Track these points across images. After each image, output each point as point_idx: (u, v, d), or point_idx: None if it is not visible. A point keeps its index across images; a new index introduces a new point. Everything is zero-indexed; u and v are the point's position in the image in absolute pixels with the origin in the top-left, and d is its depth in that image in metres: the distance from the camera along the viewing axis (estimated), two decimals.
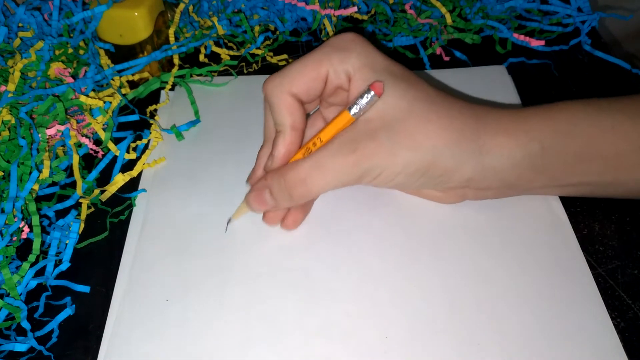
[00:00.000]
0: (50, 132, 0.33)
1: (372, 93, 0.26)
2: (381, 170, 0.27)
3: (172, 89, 0.40)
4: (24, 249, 0.30)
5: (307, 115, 0.30)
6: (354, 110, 0.26)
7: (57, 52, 0.38)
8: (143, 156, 0.35)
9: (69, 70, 0.37)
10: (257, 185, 0.29)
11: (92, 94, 0.36)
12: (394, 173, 0.27)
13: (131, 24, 0.37)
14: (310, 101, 0.29)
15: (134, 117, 0.36)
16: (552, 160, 0.27)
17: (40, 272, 0.30)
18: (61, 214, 0.32)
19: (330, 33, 0.42)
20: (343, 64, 0.27)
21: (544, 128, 0.27)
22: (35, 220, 0.30)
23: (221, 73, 0.41)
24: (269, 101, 0.28)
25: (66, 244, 0.30)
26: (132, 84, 0.40)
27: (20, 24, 0.41)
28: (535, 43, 0.41)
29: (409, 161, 0.26)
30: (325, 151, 0.27)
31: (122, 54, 0.38)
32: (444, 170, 0.27)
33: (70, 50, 0.38)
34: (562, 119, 0.27)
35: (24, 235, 0.30)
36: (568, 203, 0.32)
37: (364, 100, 0.26)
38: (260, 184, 0.29)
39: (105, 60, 0.39)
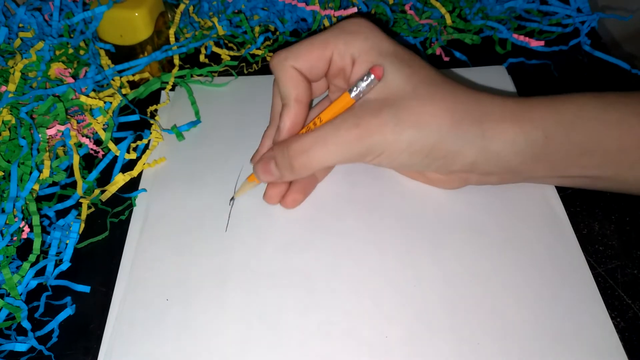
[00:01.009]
0: (50, 132, 0.33)
1: (372, 77, 0.26)
2: (384, 148, 0.27)
3: (172, 89, 0.40)
4: (24, 249, 0.30)
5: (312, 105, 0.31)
6: (354, 92, 0.27)
7: (57, 53, 0.38)
8: (143, 156, 0.35)
9: (70, 70, 0.37)
10: (264, 155, 0.30)
11: (92, 94, 0.36)
12: (397, 151, 0.27)
13: (132, 25, 0.37)
14: (315, 80, 0.30)
15: (135, 117, 0.36)
16: (555, 150, 0.27)
17: (40, 272, 0.30)
18: (61, 214, 0.32)
19: None
20: (348, 47, 0.28)
21: (548, 117, 0.27)
22: (36, 220, 0.30)
23: (221, 73, 0.41)
24: (275, 74, 0.29)
25: (66, 244, 0.31)
26: (133, 84, 0.40)
27: (20, 25, 0.41)
28: (535, 43, 0.41)
29: (412, 140, 0.26)
30: (329, 125, 0.27)
31: (122, 54, 0.38)
32: (447, 152, 0.27)
33: (71, 51, 0.38)
34: (567, 110, 0.27)
35: (24, 235, 0.30)
36: (568, 203, 0.32)
37: (364, 83, 0.27)
38: (267, 154, 0.30)
39: (105, 60, 0.39)
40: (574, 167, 0.28)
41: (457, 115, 0.27)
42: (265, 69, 0.42)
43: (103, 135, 0.34)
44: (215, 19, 0.42)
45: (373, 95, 0.27)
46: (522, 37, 0.41)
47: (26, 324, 0.27)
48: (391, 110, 0.26)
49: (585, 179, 0.29)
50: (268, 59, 0.42)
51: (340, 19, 0.44)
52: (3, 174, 0.31)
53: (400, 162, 0.28)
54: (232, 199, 0.32)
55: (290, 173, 0.29)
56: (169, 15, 0.41)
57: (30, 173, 0.31)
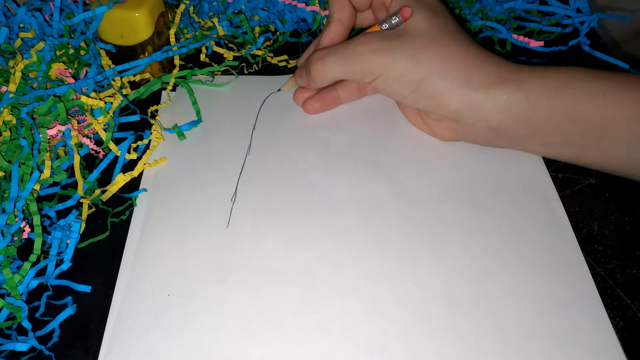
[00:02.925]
0: (51, 132, 0.33)
1: (399, 17, 0.31)
2: (381, 71, 0.31)
3: (173, 90, 0.40)
4: (25, 249, 0.31)
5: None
6: (383, 26, 0.32)
7: (58, 53, 0.38)
8: (144, 156, 0.35)
9: (70, 70, 0.37)
10: (302, 64, 0.36)
11: (93, 94, 0.36)
12: (391, 78, 0.31)
13: (132, 25, 0.37)
14: (360, 9, 0.35)
15: (135, 118, 0.37)
16: (536, 113, 0.29)
17: (41, 272, 0.30)
18: (62, 214, 0.32)
19: None
20: None
21: (532, 81, 0.29)
22: (37, 220, 0.30)
23: (222, 73, 0.42)
24: None
25: (67, 244, 0.31)
26: (133, 85, 0.40)
27: (21, 25, 0.41)
28: (535, 44, 0.41)
29: (405, 70, 0.30)
30: (345, 42, 0.32)
31: (123, 54, 0.38)
32: (433, 92, 0.30)
33: (71, 51, 0.39)
34: (554, 77, 0.29)
35: (25, 235, 0.30)
36: (568, 203, 0.32)
37: (392, 20, 0.31)
38: (304, 62, 0.35)
39: (106, 60, 0.39)
40: (556, 134, 0.29)
41: (450, 61, 0.30)
42: (265, 69, 0.42)
43: (104, 135, 0.34)
44: (215, 20, 0.42)
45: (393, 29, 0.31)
46: (521, 38, 0.42)
47: (27, 324, 0.27)
48: (397, 41, 0.30)
49: (567, 147, 0.30)
50: (268, 59, 0.42)
51: None
52: (4, 174, 0.32)
53: (394, 90, 0.31)
54: (279, 90, 0.38)
55: (310, 79, 0.34)
56: (170, 16, 0.41)
57: (31, 173, 0.31)
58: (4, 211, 0.29)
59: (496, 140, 0.32)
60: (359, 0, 0.34)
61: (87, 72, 0.38)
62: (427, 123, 0.35)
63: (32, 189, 0.31)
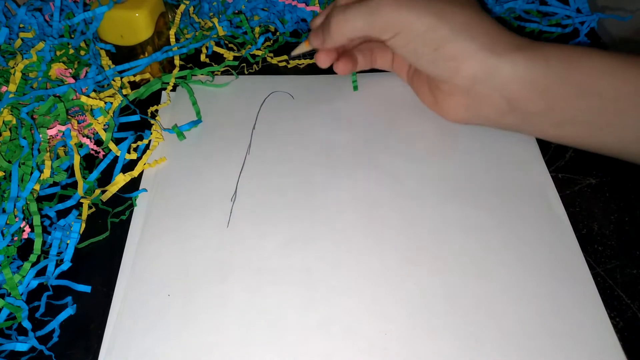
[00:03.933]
0: (51, 132, 0.33)
1: None
2: (404, 27, 0.30)
3: (173, 90, 0.40)
4: (25, 249, 0.31)
5: None
6: None
7: (58, 53, 0.38)
8: (144, 156, 0.35)
9: (70, 70, 0.37)
10: (317, 25, 0.35)
11: (93, 94, 0.36)
12: (413, 34, 0.30)
13: (132, 25, 0.37)
14: None
15: (135, 118, 0.37)
16: (553, 84, 0.29)
17: (41, 272, 0.30)
18: (62, 214, 0.32)
19: None
20: None
21: (552, 51, 0.29)
22: (37, 220, 0.30)
23: (222, 73, 0.42)
24: None
25: (67, 244, 0.31)
26: (133, 85, 0.40)
27: (21, 25, 0.41)
28: None
29: (429, 27, 0.30)
30: None
31: (123, 54, 0.39)
32: (453, 54, 0.30)
33: (71, 51, 0.39)
34: (573, 51, 0.29)
35: (25, 235, 0.30)
36: (568, 203, 0.32)
37: None
38: (320, 23, 0.35)
39: (106, 60, 0.39)
40: (569, 109, 0.29)
41: (474, 26, 0.30)
42: (265, 69, 0.42)
43: (104, 135, 0.34)
44: (215, 20, 0.42)
45: None
46: None
47: (27, 324, 0.27)
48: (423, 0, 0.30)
49: (582, 127, 0.30)
50: (268, 59, 0.42)
51: None
52: (4, 174, 0.32)
53: (413, 47, 0.31)
54: (289, 55, 0.38)
55: (329, 35, 0.33)
56: (170, 16, 0.41)
57: (31, 173, 0.31)
58: (4, 211, 0.29)
59: (508, 115, 0.32)
60: None
61: (87, 72, 0.38)
62: (437, 98, 0.34)
63: (32, 189, 0.31)
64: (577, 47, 0.30)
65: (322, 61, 0.36)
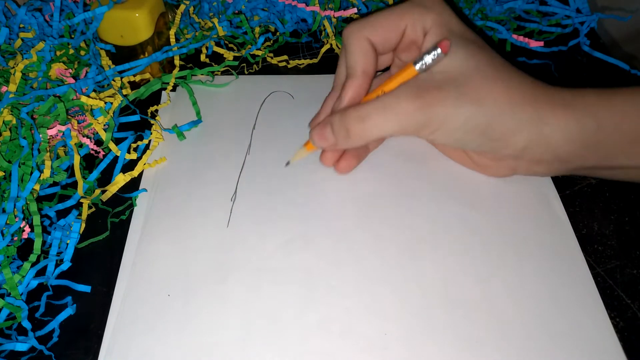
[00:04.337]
0: (51, 132, 0.33)
1: (439, 50, 0.27)
2: (442, 122, 0.27)
3: (173, 90, 0.40)
4: (25, 249, 0.31)
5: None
6: (419, 65, 0.28)
7: (58, 53, 0.38)
8: (144, 156, 0.35)
9: (70, 70, 0.37)
10: (322, 121, 0.31)
11: (93, 94, 0.36)
12: (454, 127, 0.28)
13: (132, 25, 0.37)
14: (383, 52, 0.31)
15: (135, 118, 0.37)
16: (606, 138, 0.27)
17: (41, 272, 0.30)
18: (62, 213, 0.32)
19: (330, 34, 0.42)
20: (422, 19, 0.29)
21: (600, 104, 0.27)
22: (37, 220, 0.30)
23: (222, 73, 0.42)
24: (346, 44, 0.30)
25: (67, 244, 0.31)
26: (133, 85, 0.40)
27: (21, 25, 0.41)
28: (534, 44, 0.41)
29: (471, 115, 0.27)
30: (390, 95, 0.28)
31: (123, 54, 0.39)
32: (501, 133, 0.28)
33: (71, 51, 0.39)
34: (619, 98, 0.28)
35: (25, 235, 0.30)
36: (568, 203, 0.32)
37: (429, 56, 0.27)
38: (325, 119, 0.31)
39: (106, 61, 0.39)
40: (623, 157, 0.28)
41: (515, 97, 0.27)
42: (265, 70, 0.42)
43: (104, 135, 0.34)
44: (215, 20, 0.42)
45: (436, 70, 0.28)
46: (521, 38, 0.42)
47: (27, 324, 0.27)
48: (453, 85, 0.27)
49: (635, 170, 0.29)
50: (268, 59, 0.42)
51: (341, 20, 0.44)
52: (4, 174, 0.32)
53: (456, 139, 0.28)
54: (288, 163, 0.33)
55: (345, 140, 0.29)
56: (170, 16, 0.41)
57: (31, 173, 0.31)
58: (4, 211, 0.29)
59: (559, 169, 0.30)
60: (385, 43, 0.30)
61: (87, 72, 0.38)
62: (477, 163, 0.32)
63: (32, 189, 0.31)
64: (620, 91, 0.28)
65: (330, 160, 0.33)
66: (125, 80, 0.39)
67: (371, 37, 0.29)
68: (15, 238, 0.30)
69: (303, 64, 0.42)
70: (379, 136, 0.29)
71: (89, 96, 0.36)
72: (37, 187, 0.32)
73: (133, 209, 0.33)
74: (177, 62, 0.40)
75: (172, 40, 0.40)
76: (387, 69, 0.34)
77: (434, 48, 0.27)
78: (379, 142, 0.34)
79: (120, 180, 0.34)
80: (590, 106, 0.27)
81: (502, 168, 0.31)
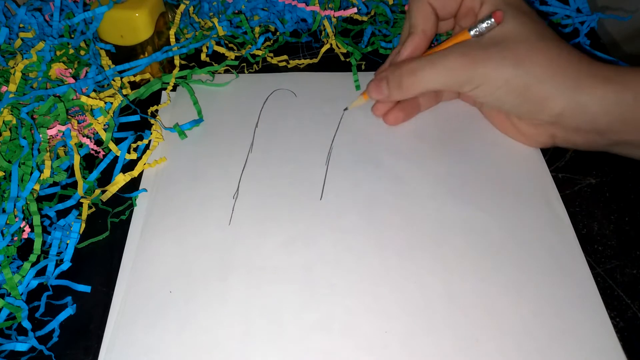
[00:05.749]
0: (51, 132, 0.33)
1: (492, 20, 0.30)
2: (484, 80, 0.30)
3: (173, 90, 0.40)
4: (25, 249, 0.31)
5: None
6: (474, 31, 0.31)
7: (58, 53, 0.38)
8: (144, 156, 0.35)
9: (70, 70, 0.37)
10: (378, 76, 0.35)
11: (93, 94, 0.36)
12: (495, 86, 0.30)
13: (132, 25, 0.37)
14: (444, 18, 0.34)
15: (135, 118, 0.37)
16: None
17: (41, 272, 0.30)
18: (62, 213, 0.32)
19: (330, 34, 0.42)
20: None
21: (638, 81, 0.28)
22: (36, 220, 0.30)
23: (222, 72, 0.42)
24: (410, 6, 0.34)
25: (67, 244, 0.31)
26: (133, 85, 0.40)
27: (21, 25, 0.41)
28: None
29: (511, 76, 0.29)
30: (441, 52, 0.31)
31: (123, 54, 0.38)
32: (539, 96, 0.30)
33: (71, 51, 0.39)
34: None
35: (25, 235, 0.30)
36: (568, 203, 0.32)
37: (483, 24, 0.30)
38: (381, 74, 0.34)
39: (106, 60, 0.39)
40: None
41: (555, 65, 0.29)
42: (266, 69, 0.42)
43: (104, 135, 0.34)
44: (215, 20, 0.42)
45: (487, 36, 0.31)
46: None
47: (27, 324, 0.27)
48: (498, 47, 0.30)
49: None
50: (268, 59, 0.42)
51: (340, 20, 0.44)
52: (4, 174, 0.32)
53: (496, 97, 0.31)
54: (346, 109, 0.37)
55: (398, 91, 0.33)
56: (170, 16, 0.41)
57: (31, 173, 0.31)
58: (4, 211, 0.29)
59: (596, 142, 0.31)
60: (445, 9, 0.33)
61: (87, 72, 0.38)
62: (519, 128, 0.34)
63: (32, 189, 0.31)
64: None
65: (380, 111, 0.36)
66: (125, 80, 0.39)
67: (432, 2, 0.33)
68: (15, 238, 0.30)
69: (303, 63, 0.42)
70: (427, 88, 0.32)
71: (89, 96, 0.36)
72: (37, 187, 0.32)
73: (133, 209, 0.33)
74: (177, 62, 0.40)
75: (172, 40, 0.40)
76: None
77: (488, 17, 0.30)
78: (430, 102, 0.37)
79: (120, 180, 0.34)
80: (629, 81, 0.28)
81: (541, 135, 0.33)
